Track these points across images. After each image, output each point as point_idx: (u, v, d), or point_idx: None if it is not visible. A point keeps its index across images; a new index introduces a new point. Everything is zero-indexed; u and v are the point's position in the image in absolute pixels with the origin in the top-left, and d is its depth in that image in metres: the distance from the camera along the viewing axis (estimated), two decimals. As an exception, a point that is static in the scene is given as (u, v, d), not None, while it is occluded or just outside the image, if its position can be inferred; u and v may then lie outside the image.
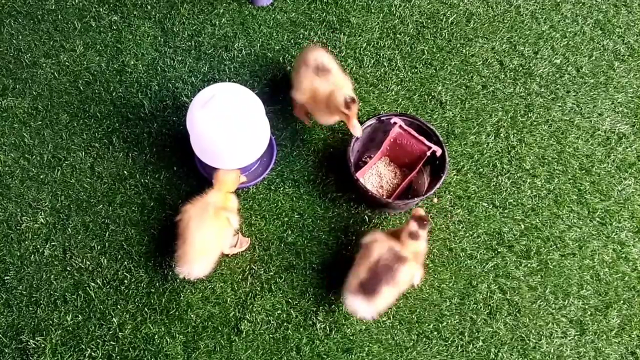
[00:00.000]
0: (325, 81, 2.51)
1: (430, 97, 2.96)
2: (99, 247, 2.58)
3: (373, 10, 3.20)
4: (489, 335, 2.47)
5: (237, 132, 2.37)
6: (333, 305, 2.49)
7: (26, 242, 2.59)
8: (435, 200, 2.72)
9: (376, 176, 2.76)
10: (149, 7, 3.16)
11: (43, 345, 2.40)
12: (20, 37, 3.07)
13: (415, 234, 2.25)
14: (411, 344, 2.45)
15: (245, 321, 2.45)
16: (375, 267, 2.19)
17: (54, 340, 2.41)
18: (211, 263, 2.37)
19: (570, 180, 2.80)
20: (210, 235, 2.31)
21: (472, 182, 2.77)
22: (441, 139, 2.58)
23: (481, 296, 2.54)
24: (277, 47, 3.07)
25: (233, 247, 2.54)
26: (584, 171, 2.82)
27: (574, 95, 3.01)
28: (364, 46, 3.09)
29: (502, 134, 2.89)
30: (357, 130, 2.46)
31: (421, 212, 2.29)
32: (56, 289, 2.50)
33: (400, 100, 2.95)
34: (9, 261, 2.55)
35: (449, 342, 2.46)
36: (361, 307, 2.22)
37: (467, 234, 2.66)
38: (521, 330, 2.49)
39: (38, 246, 2.58)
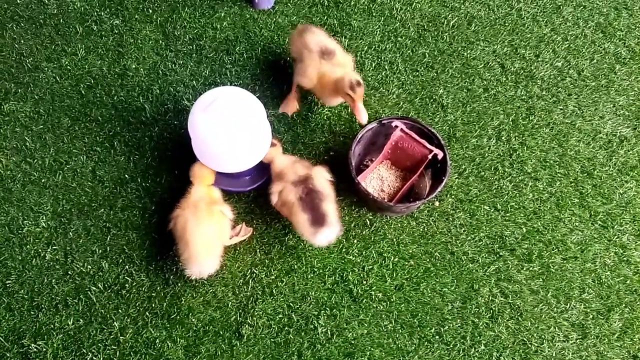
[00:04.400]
0: (331, 64, 2.55)
1: (432, 100, 2.96)
2: (100, 251, 2.58)
3: (374, 14, 3.21)
4: (490, 339, 2.47)
5: (239, 136, 2.37)
6: (334, 309, 2.49)
7: (28, 246, 2.59)
8: (437, 203, 2.72)
9: (377, 179, 2.76)
10: (150, 11, 3.17)
11: (44, 349, 2.40)
12: (22, 41, 3.08)
13: (272, 144, 2.50)
14: (413, 348, 2.44)
15: (247, 325, 2.45)
16: (304, 203, 2.34)
17: (55, 345, 2.41)
18: (218, 258, 2.39)
19: (572, 184, 2.80)
20: (210, 231, 2.34)
21: (473, 186, 2.77)
22: (443, 142, 2.58)
23: (483, 300, 2.53)
24: (279, 51, 3.07)
25: (235, 237, 2.55)
26: (585, 174, 2.82)
27: (576, 98, 3.01)
28: (365, 49, 3.09)
29: (503, 137, 2.89)
30: (362, 114, 2.48)
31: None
32: (57, 293, 2.50)
33: (401, 103, 2.95)
34: (11, 265, 2.55)
35: (451, 346, 2.45)
36: (328, 235, 2.34)
37: (469, 238, 2.65)
38: (523, 334, 2.48)
39: (39, 250, 2.58)
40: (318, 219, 2.33)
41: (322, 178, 2.44)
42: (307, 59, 2.62)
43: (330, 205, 2.39)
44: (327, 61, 2.58)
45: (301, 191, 2.37)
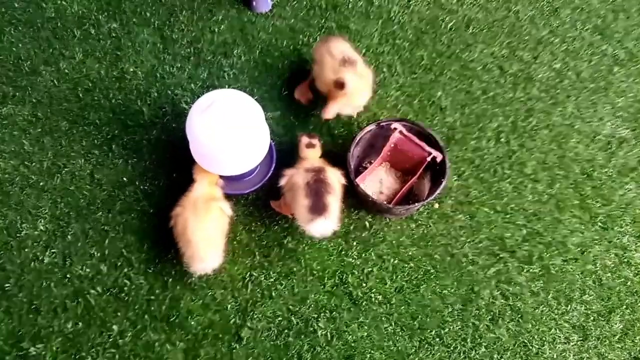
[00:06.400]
0: (352, 72, 2.61)
1: (430, 103, 2.96)
2: (98, 254, 2.57)
3: (372, 17, 3.21)
4: (491, 341, 2.46)
5: (237, 139, 2.36)
6: (334, 312, 2.48)
7: (26, 250, 2.58)
8: (436, 205, 2.72)
9: (377, 182, 2.76)
10: (148, 14, 3.17)
11: (44, 352, 2.39)
12: (20, 45, 3.08)
13: (310, 144, 2.54)
14: (413, 350, 2.43)
15: (246, 328, 2.44)
16: (309, 189, 2.35)
17: (54, 348, 2.40)
18: (221, 252, 2.39)
19: (572, 185, 2.79)
20: (210, 227, 2.35)
21: (473, 188, 2.76)
22: (442, 144, 2.58)
23: (483, 302, 2.53)
24: (276, 54, 3.07)
25: None
26: (585, 176, 2.82)
27: (574, 100, 3.01)
28: (363, 52, 3.09)
29: (502, 139, 2.89)
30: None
31: (307, 134, 2.60)
32: (56, 297, 2.49)
33: (400, 105, 2.95)
34: (9, 269, 2.54)
35: (452, 348, 2.44)
36: (323, 226, 2.33)
37: (469, 240, 2.65)
38: (524, 336, 2.47)
39: (38, 254, 2.57)
40: (318, 208, 2.32)
41: (335, 176, 2.45)
42: (327, 63, 2.66)
43: (334, 200, 2.38)
44: (347, 69, 2.60)
45: (310, 177, 2.38)
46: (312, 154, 2.56)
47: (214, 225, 2.37)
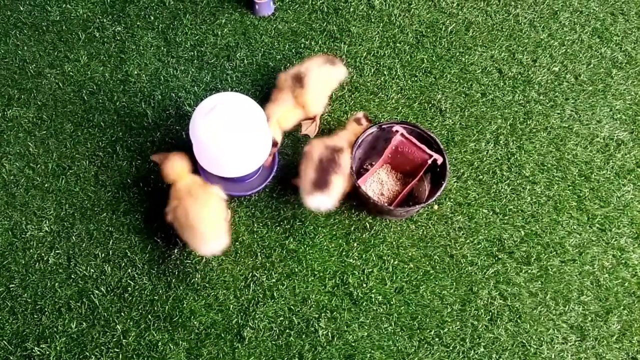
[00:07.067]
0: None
1: (430, 105, 2.99)
2: (102, 254, 2.60)
3: (373, 20, 3.24)
4: (490, 341, 2.49)
5: (240, 141, 2.39)
6: (335, 312, 2.51)
7: (31, 250, 2.61)
8: (436, 207, 2.74)
9: (378, 183, 2.78)
10: (152, 17, 3.20)
11: (48, 352, 2.42)
12: (25, 47, 3.11)
13: (359, 120, 2.69)
14: (413, 350, 2.46)
15: (248, 328, 2.47)
16: (320, 165, 2.47)
17: (58, 348, 2.43)
18: (226, 234, 2.41)
19: (570, 187, 2.82)
20: (213, 210, 2.38)
21: (472, 189, 2.79)
22: (442, 146, 2.60)
23: (482, 302, 2.55)
24: (279, 57, 3.10)
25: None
26: (583, 178, 2.84)
27: (573, 103, 3.04)
28: (364, 55, 3.12)
29: (501, 141, 2.91)
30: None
31: (365, 115, 2.73)
32: (60, 297, 2.52)
33: (400, 108, 2.98)
34: (14, 269, 2.58)
35: (451, 348, 2.47)
36: (321, 201, 2.46)
37: (468, 241, 2.67)
38: (522, 336, 2.50)
39: (42, 254, 2.60)
40: (321, 184, 2.44)
41: (348, 159, 2.55)
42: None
43: (339, 181, 2.50)
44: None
45: (325, 154, 2.48)
46: (353, 127, 2.69)
47: (215, 208, 2.39)
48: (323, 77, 2.75)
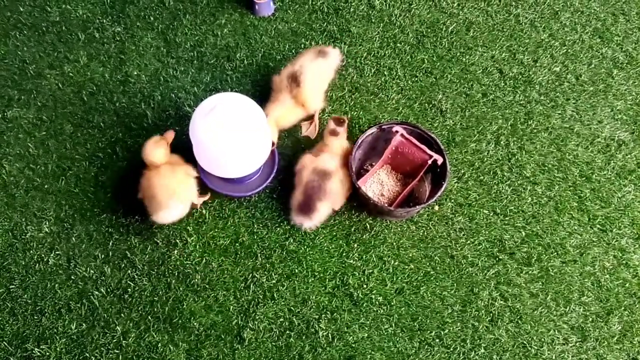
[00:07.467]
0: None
1: (431, 106, 2.99)
2: (102, 256, 2.60)
3: (373, 20, 3.24)
4: (490, 342, 2.48)
5: (240, 141, 2.39)
6: (335, 313, 2.50)
7: (31, 252, 2.61)
8: (437, 208, 2.74)
9: (378, 184, 2.78)
10: (151, 18, 3.20)
11: (48, 353, 2.42)
12: (25, 48, 3.11)
13: (334, 132, 2.62)
14: (413, 351, 2.46)
15: (248, 329, 2.47)
16: (306, 190, 2.52)
17: (58, 349, 2.43)
18: (184, 205, 2.52)
19: (571, 188, 2.81)
20: (173, 181, 2.46)
21: (472, 190, 2.78)
22: (442, 147, 2.60)
23: (483, 303, 2.55)
24: (279, 57, 3.10)
25: (202, 197, 2.66)
26: (584, 178, 2.84)
27: (574, 103, 3.04)
28: (364, 55, 3.12)
29: (502, 142, 2.91)
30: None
31: (336, 118, 2.67)
32: (60, 298, 2.52)
33: (400, 108, 2.97)
34: (14, 270, 2.58)
35: (451, 349, 2.46)
36: (304, 222, 2.55)
37: (469, 242, 2.67)
38: (523, 337, 2.49)
39: (42, 255, 2.60)
40: (305, 209, 2.52)
41: (338, 181, 2.57)
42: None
43: (325, 207, 2.54)
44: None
45: (314, 180, 2.52)
46: (335, 142, 2.65)
47: (175, 180, 2.47)
48: (318, 71, 2.76)
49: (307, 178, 2.54)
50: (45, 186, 2.75)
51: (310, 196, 2.51)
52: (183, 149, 2.74)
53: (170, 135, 2.61)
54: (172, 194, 2.45)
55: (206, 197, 2.66)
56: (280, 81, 2.75)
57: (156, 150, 2.50)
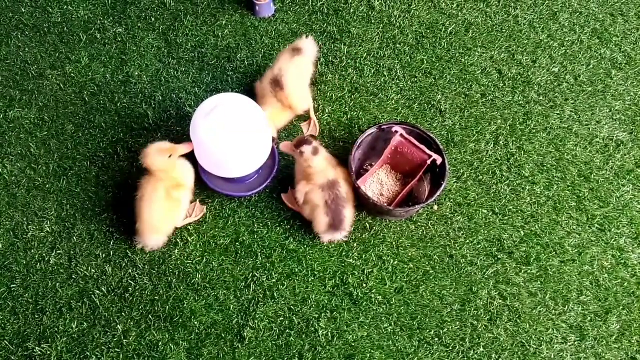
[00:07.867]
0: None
1: (430, 106, 3.00)
2: (103, 255, 2.61)
3: (373, 21, 3.25)
4: (489, 341, 2.49)
5: (240, 142, 2.41)
6: (335, 312, 2.52)
7: (32, 251, 2.62)
8: (436, 207, 2.75)
9: (377, 184, 2.79)
10: (153, 19, 3.21)
11: (49, 352, 2.43)
12: (26, 49, 3.13)
13: (316, 150, 2.48)
14: (412, 350, 2.47)
15: (248, 328, 2.48)
16: (329, 208, 2.48)
17: (59, 348, 2.44)
18: (164, 236, 2.55)
19: (569, 187, 2.82)
20: (158, 211, 2.46)
21: (472, 190, 2.80)
22: (441, 147, 2.61)
23: (482, 302, 2.56)
24: (279, 58, 3.11)
25: (188, 217, 2.64)
26: (582, 178, 2.85)
27: (572, 103, 3.05)
28: (364, 56, 3.13)
29: (501, 142, 2.92)
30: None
31: (293, 143, 2.52)
32: (62, 297, 2.53)
33: (400, 109, 2.99)
34: (16, 269, 2.59)
35: (450, 348, 2.48)
36: (337, 236, 2.54)
37: (468, 241, 2.68)
38: (522, 336, 2.50)
39: (44, 254, 2.62)
40: (336, 225, 2.48)
41: (347, 183, 2.56)
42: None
43: (349, 211, 2.54)
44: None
45: (328, 196, 2.47)
46: (320, 162, 2.51)
47: (161, 211, 2.46)
48: (298, 70, 2.76)
49: (321, 199, 2.48)
50: (47, 186, 2.77)
51: (335, 210, 2.48)
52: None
53: (183, 147, 2.50)
54: (152, 230, 2.48)
55: (192, 220, 2.65)
56: (264, 87, 2.77)
57: (156, 157, 2.43)
